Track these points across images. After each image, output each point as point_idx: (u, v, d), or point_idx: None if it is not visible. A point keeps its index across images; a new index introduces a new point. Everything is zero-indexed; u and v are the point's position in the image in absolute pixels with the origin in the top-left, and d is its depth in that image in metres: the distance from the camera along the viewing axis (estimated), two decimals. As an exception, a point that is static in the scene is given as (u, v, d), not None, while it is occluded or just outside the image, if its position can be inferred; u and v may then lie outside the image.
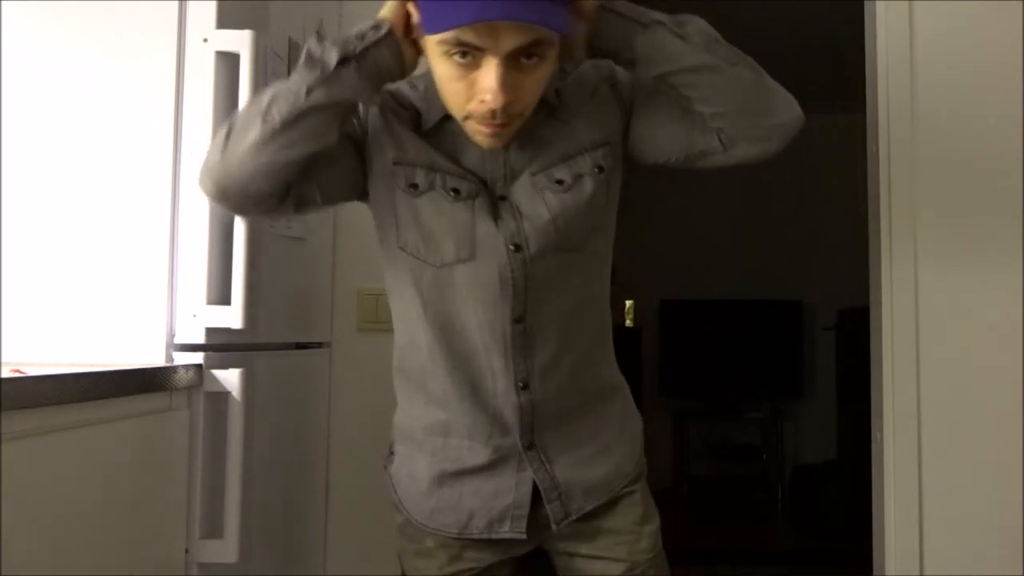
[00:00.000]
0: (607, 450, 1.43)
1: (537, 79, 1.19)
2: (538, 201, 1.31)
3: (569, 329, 1.37)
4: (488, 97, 1.14)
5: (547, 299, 1.33)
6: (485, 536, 1.40)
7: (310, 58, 1.20)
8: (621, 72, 1.35)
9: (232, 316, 1.64)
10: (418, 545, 1.47)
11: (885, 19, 2.30)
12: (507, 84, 1.14)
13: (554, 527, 1.40)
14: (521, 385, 1.35)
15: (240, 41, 1.66)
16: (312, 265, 2.18)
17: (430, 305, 1.36)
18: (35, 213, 1.68)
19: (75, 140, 1.68)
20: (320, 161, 1.27)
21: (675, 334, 5.86)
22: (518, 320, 1.33)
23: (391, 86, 1.33)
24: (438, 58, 1.18)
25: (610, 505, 1.42)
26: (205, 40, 1.66)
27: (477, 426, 1.38)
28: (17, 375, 1.23)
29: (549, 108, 1.32)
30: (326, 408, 2.35)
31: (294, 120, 1.19)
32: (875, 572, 2.30)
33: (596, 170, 1.33)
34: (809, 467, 5.29)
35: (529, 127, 1.28)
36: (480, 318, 1.33)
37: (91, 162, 1.68)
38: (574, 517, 1.41)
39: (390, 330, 2.37)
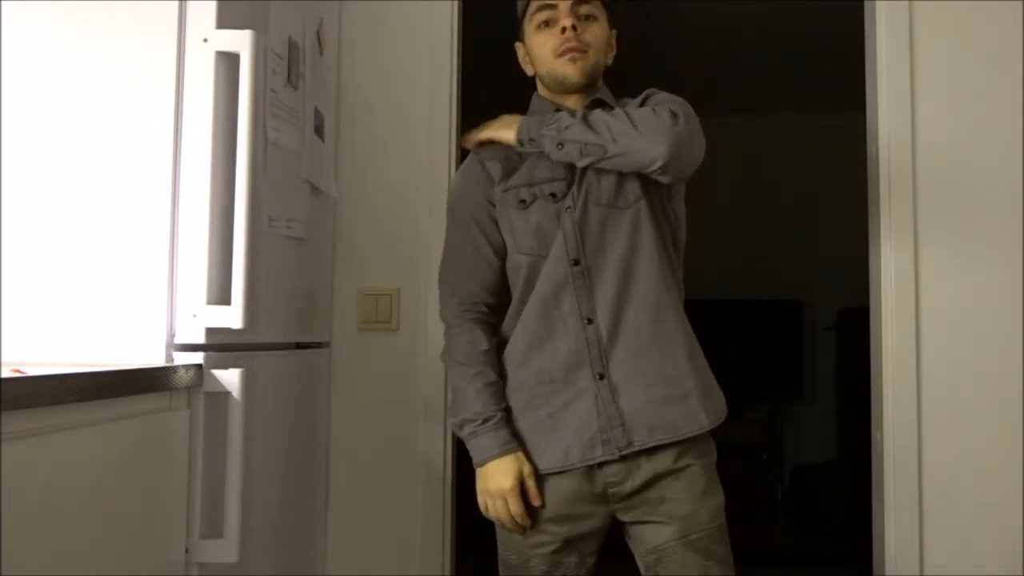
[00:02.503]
0: (682, 396, 1.60)
1: (595, 31, 1.68)
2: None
3: (627, 272, 1.62)
4: (566, 22, 1.64)
5: (598, 246, 1.63)
6: (584, 463, 1.60)
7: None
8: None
9: (232, 316, 1.64)
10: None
11: (885, 19, 2.30)
12: (575, 18, 1.65)
13: (616, 453, 1.58)
14: (586, 320, 1.62)
15: (240, 41, 1.66)
16: (312, 265, 2.18)
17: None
18: (35, 213, 1.68)
19: (75, 140, 1.68)
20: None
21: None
22: (575, 262, 1.62)
23: (482, 153, 1.74)
24: (535, 36, 1.69)
25: (673, 477, 1.59)
26: (205, 40, 1.66)
27: (560, 363, 1.63)
28: (17, 375, 1.22)
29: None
30: (326, 408, 2.35)
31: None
32: (875, 572, 2.30)
33: None
34: (809, 467, 5.29)
35: None
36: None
37: (91, 162, 1.68)
38: (637, 447, 1.57)
39: (390, 330, 2.39)
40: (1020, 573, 2.14)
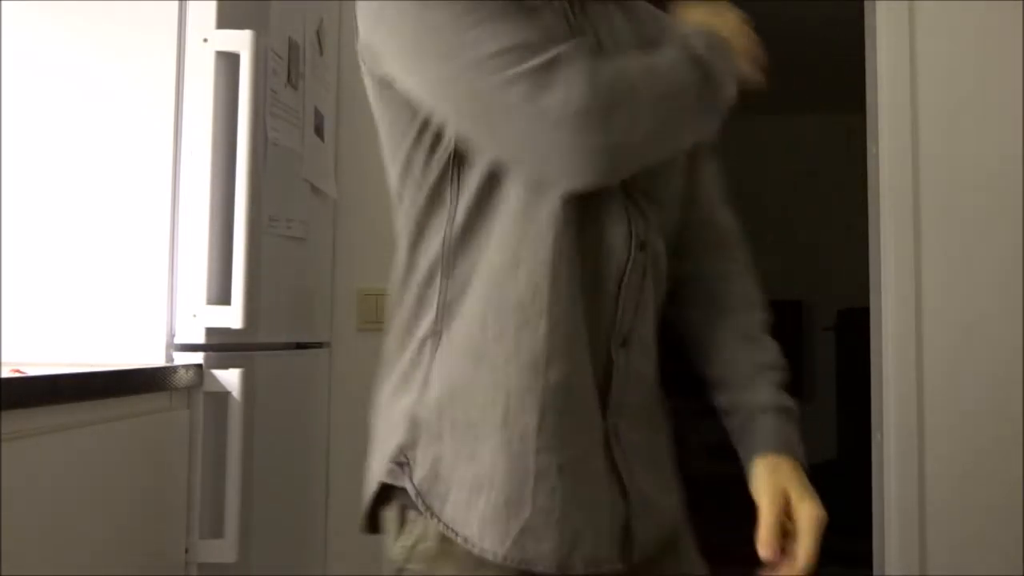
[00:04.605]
0: (671, 485, 1.16)
1: None
2: None
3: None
4: None
5: None
6: (592, 571, 0.96)
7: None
8: None
9: (232, 316, 1.64)
10: None
11: (885, 19, 2.30)
12: None
13: (635, 553, 1.01)
14: (620, 342, 1.01)
15: (240, 41, 1.66)
16: (312, 265, 2.18)
17: None
18: (35, 213, 1.68)
19: (75, 140, 1.68)
20: None
21: (674, 333, 5.85)
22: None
23: None
24: None
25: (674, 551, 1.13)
26: (205, 40, 1.66)
27: (576, 394, 0.98)
28: (17, 375, 1.22)
29: None
30: (326, 408, 2.35)
31: None
32: (875, 572, 2.30)
33: None
34: (809, 467, 5.28)
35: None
36: None
37: (91, 162, 1.67)
38: (651, 549, 1.05)
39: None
40: (1020, 573, 2.14)
